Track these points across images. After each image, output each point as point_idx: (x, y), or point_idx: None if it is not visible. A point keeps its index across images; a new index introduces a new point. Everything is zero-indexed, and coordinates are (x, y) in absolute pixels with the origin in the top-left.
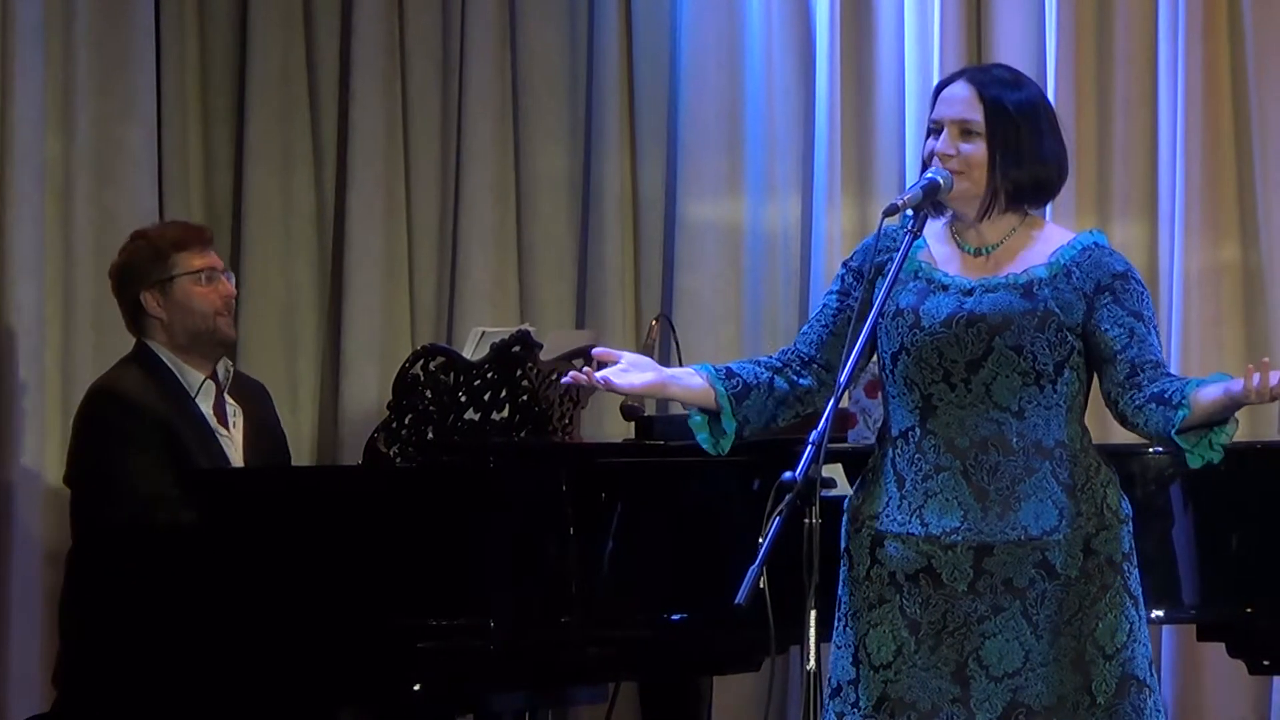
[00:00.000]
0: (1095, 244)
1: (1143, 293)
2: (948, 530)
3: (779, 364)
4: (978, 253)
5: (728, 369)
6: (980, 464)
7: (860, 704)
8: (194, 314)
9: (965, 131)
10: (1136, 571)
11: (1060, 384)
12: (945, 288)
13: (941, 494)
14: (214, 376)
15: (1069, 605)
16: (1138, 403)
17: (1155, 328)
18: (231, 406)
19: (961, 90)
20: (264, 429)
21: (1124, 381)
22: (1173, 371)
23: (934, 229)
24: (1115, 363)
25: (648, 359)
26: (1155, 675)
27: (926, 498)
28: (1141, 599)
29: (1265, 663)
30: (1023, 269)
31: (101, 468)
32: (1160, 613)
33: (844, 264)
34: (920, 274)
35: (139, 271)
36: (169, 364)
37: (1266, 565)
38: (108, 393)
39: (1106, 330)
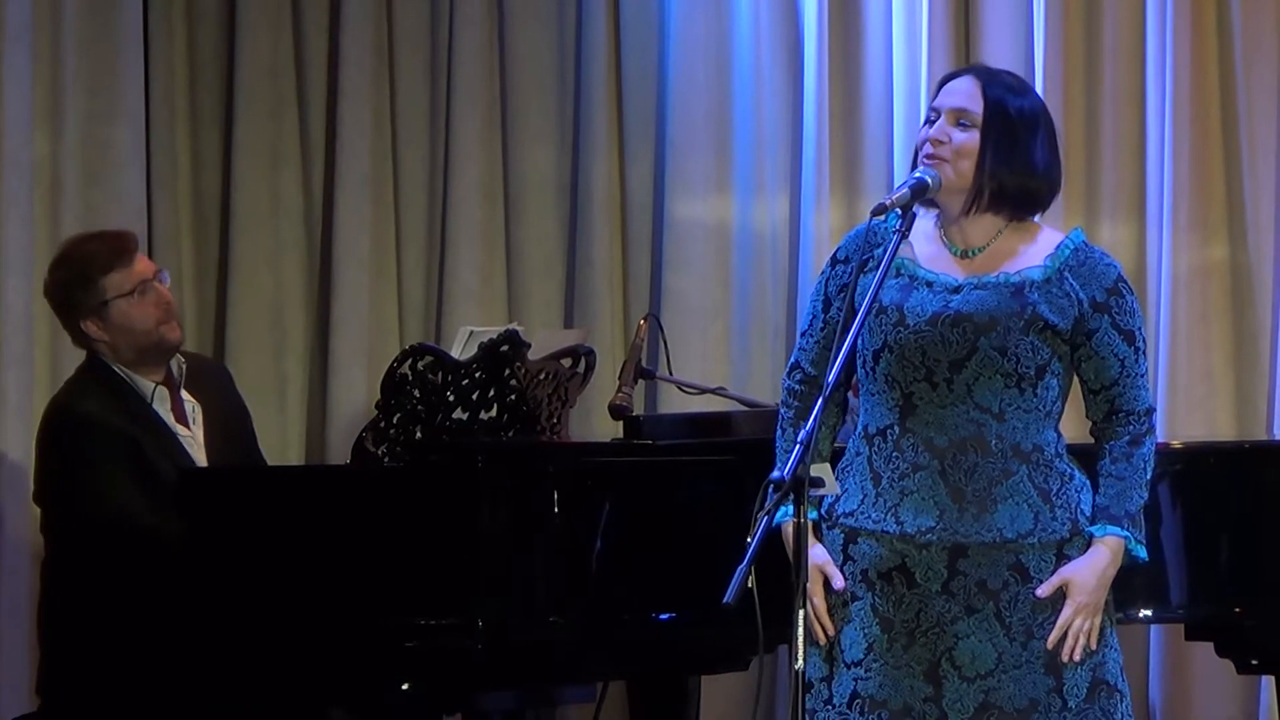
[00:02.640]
0: (1083, 244)
1: (1133, 302)
2: (923, 530)
3: (822, 416)
4: (964, 254)
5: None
6: (958, 464)
7: (834, 700)
8: (135, 332)
9: (961, 121)
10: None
11: (1040, 389)
12: (930, 284)
13: (918, 493)
14: (168, 380)
15: (1041, 608)
16: (1099, 469)
17: (1143, 338)
18: (190, 403)
19: (966, 84)
20: (224, 416)
21: (1102, 422)
22: (1142, 407)
23: (921, 229)
24: (1100, 394)
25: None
26: (1126, 681)
27: (902, 496)
28: (1113, 605)
29: (1253, 662)
30: (1016, 270)
31: (68, 488)
32: (1148, 612)
33: (831, 259)
34: (903, 271)
35: (73, 301)
36: (122, 375)
37: (1254, 565)
38: (66, 412)
39: (1103, 358)
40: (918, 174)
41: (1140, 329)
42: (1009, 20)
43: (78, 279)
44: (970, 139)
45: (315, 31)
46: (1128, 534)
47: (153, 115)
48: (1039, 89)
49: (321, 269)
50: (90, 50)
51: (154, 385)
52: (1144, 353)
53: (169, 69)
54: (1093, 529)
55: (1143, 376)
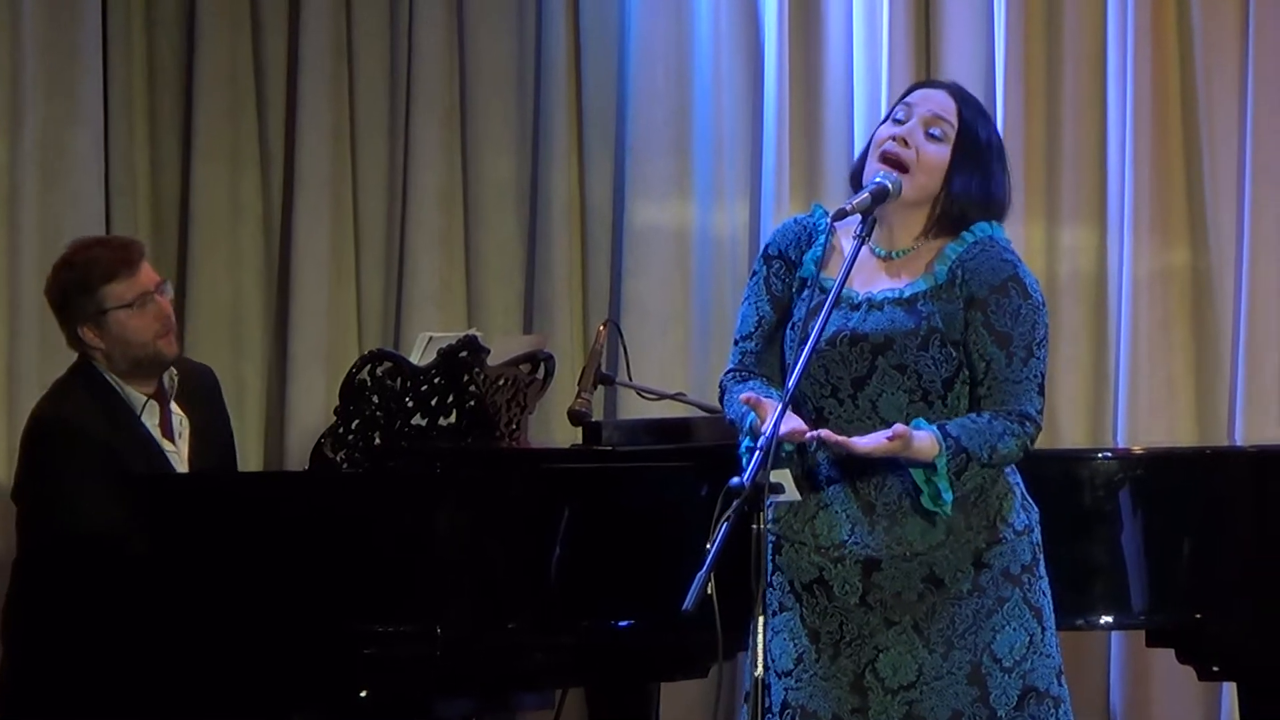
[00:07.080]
0: (988, 239)
1: (1020, 304)
2: (836, 543)
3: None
4: (887, 256)
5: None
6: (867, 478)
7: (771, 708)
8: (131, 344)
9: (932, 130)
10: (1042, 583)
11: (951, 399)
12: (838, 300)
13: (832, 506)
14: (158, 393)
15: (962, 619)
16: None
17: (1029, 342)
18: (178, 416)
19: (943, 97)
20: (208, 428)
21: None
22: (1026, 408)
23: (846, 226)
24: (973, 391)
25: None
26: (1064, 685)
27: (818, 509)
28: (1048, 610)
29: (1214, 669)
30: (908, 281)
31: (44, 494)
32: (1109, 619)
33: (763, 256)
34: (811, 283)
35: (71, 306)
36: (112, 384)
37: (1215, 571)
38: (51, 420)
39: (970, 356)
40: (879, 179)
41: (1023, 334)
42: (970, 25)
43: (78, 285)
44: (940, 153)
45: (274, 35)
46: (944, 449)
47: (111, 119)
48: (1000, 94)
49: (280, 273)
50: (49, 54)
51: (145, 399)
52: (1026, 362)
53: (128, 73)
54: (918, 422)
55: (1018, 384)
